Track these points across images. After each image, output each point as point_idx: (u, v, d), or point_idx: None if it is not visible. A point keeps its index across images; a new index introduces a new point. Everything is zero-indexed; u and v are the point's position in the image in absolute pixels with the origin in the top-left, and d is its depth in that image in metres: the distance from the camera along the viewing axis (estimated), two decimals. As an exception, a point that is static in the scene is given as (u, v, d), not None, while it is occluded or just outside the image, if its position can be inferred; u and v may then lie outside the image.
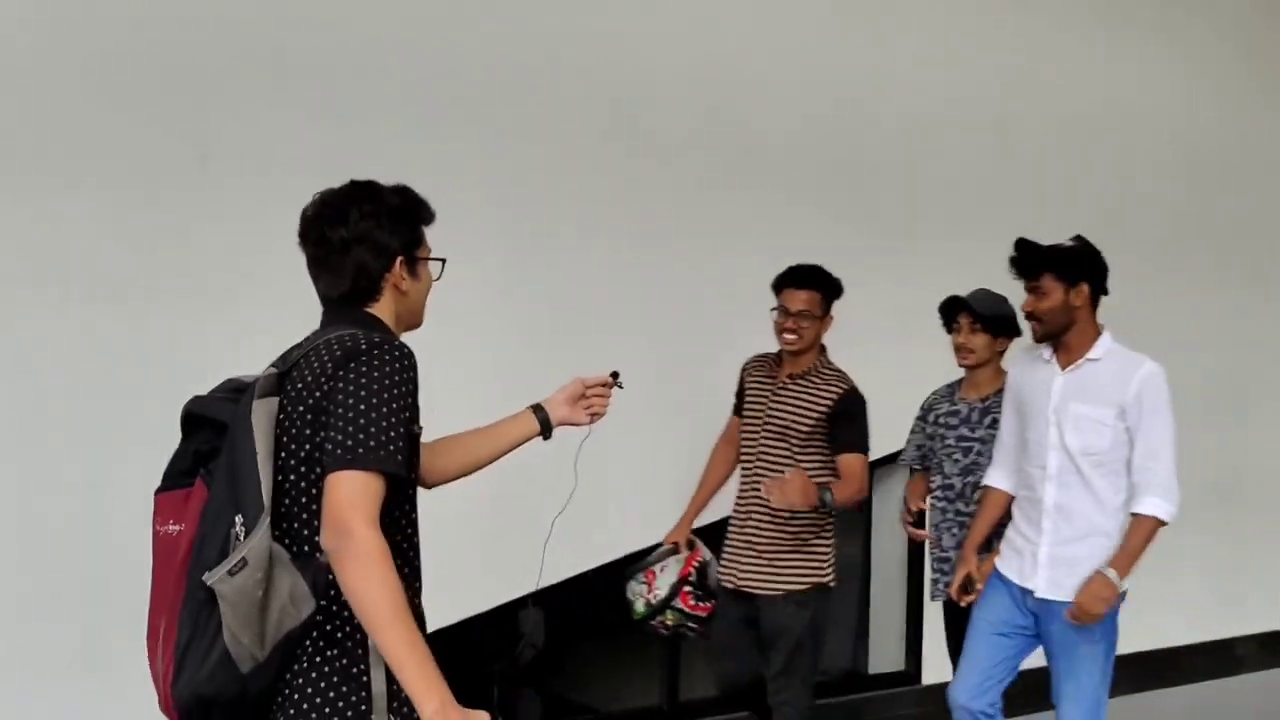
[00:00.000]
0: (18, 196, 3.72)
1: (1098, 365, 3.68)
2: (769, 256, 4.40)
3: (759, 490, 4.02)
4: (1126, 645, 3.86)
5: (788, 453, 4.12)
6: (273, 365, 2.32)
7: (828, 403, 4.10)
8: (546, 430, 2.75)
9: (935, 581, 4.34)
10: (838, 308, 4.21)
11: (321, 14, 4.14)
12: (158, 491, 2.30)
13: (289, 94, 4.09)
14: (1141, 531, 3.60)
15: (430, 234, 2.46)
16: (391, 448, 2.13)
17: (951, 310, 4.23)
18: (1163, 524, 3.60)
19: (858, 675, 5.92)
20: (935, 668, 5.69)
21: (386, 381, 2.16)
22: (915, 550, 5.76)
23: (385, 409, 2.14)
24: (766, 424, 4.17)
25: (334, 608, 2.16)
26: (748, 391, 4.31)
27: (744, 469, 4.26)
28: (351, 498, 2.08)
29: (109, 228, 3.84)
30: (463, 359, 4.19)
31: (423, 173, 4.08)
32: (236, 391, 2.28)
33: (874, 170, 5.53)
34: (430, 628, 2.32)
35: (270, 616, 2.08)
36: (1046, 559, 3.72)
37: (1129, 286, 6.00)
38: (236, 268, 3.99)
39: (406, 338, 2.38)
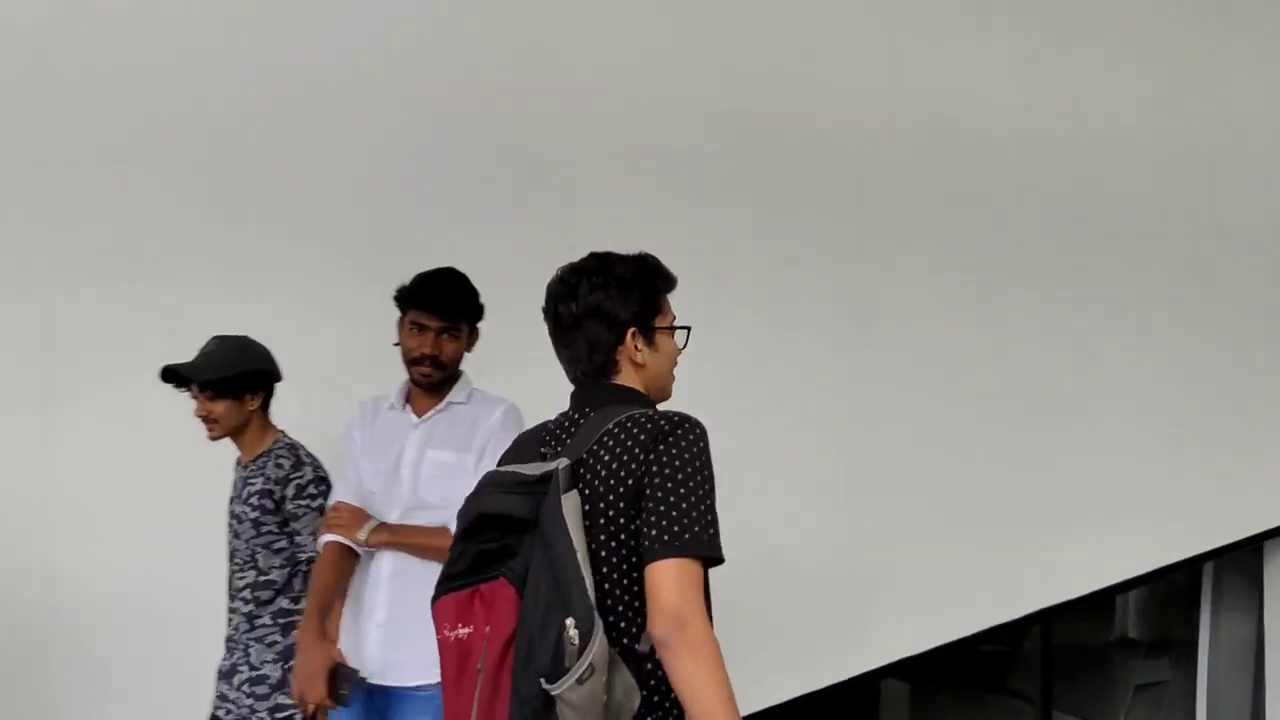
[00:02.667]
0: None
1: (462, 408, 3.18)
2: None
3: None
4: None
5: None
6: (541, 452, 2.28)
7: None
8: None
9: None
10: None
11: (664, 109, 4.32)
12: (436, 597, 2.23)
13: (644, 181, 4.28)
14: (436, 535, 3.01)
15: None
16: (712, 530, 2.11)
17: (176, 381, 3.34)
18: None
19: (1255, 766, 5.50)
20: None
21: (697, 462, 2.13)
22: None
23: (701, 490, 2.12)
24: None
25: (654, 697, 2.14)
26: None
27: None
28: (682, 587, 2.05)
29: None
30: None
31: (770, 250, 4.31)
32: (524, 484, 2.19)
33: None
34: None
35: (608, 715, 2.07)
36: (381, 638, 3.10)
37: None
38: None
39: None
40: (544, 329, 2.34)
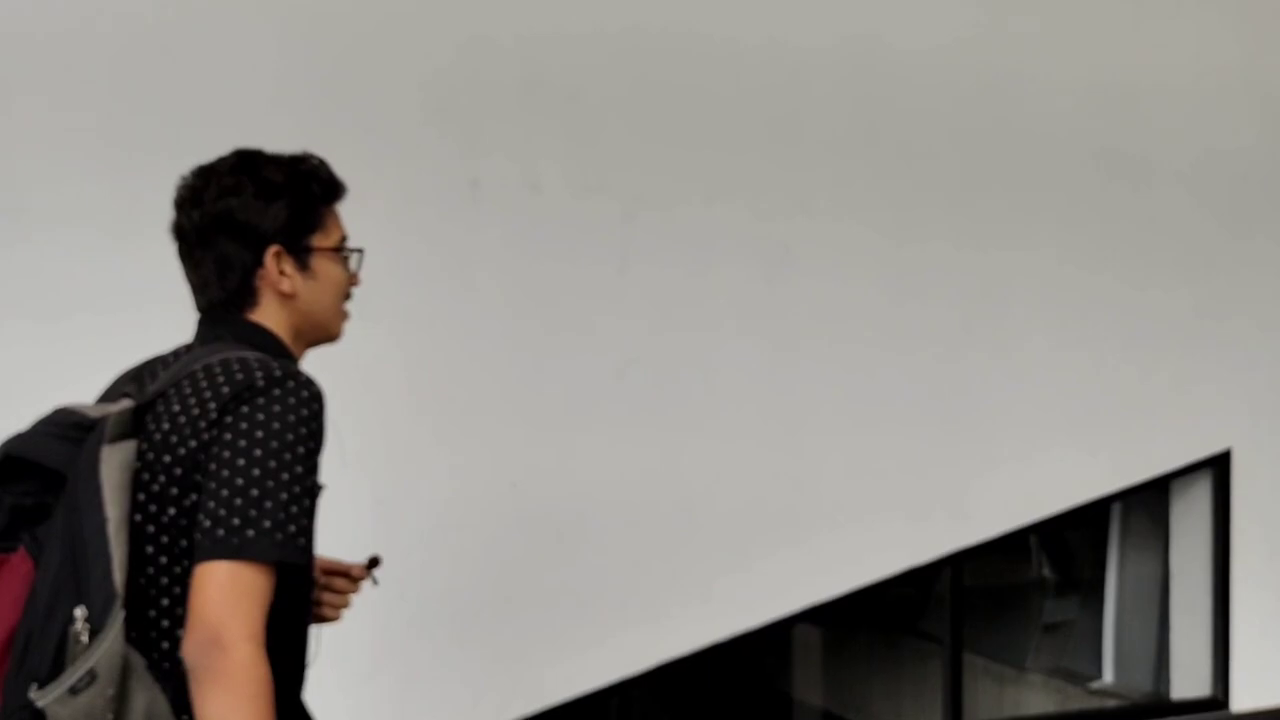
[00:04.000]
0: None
1: None
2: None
3: None
4: None
5: None
6: (124, 392, 1.81)
7: None
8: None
9: None
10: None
11: (571, 38, 4.16)
12: None
13: (548, 119, 4.08)
14: None
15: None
16: (292, 528, 1.62)
17: None
18: None
19: (1160, 701, 5.60)
20: (1245, 693, 5.36)
21: (289, 436, 1.64)
22: (1221, 568, 5.41)
23: (284, 475, 1.62)
24: None
25: None
26: None
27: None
28: (230, 600, 1.57)
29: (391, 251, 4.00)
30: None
31: (693, 183, 4.20)
32: (77, 429, 1.71)
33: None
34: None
35: None
36: None
37: None
38: (505, 285, 4.08)
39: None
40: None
